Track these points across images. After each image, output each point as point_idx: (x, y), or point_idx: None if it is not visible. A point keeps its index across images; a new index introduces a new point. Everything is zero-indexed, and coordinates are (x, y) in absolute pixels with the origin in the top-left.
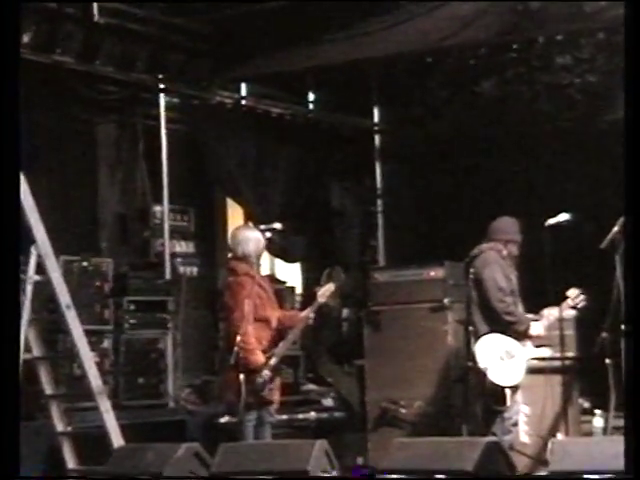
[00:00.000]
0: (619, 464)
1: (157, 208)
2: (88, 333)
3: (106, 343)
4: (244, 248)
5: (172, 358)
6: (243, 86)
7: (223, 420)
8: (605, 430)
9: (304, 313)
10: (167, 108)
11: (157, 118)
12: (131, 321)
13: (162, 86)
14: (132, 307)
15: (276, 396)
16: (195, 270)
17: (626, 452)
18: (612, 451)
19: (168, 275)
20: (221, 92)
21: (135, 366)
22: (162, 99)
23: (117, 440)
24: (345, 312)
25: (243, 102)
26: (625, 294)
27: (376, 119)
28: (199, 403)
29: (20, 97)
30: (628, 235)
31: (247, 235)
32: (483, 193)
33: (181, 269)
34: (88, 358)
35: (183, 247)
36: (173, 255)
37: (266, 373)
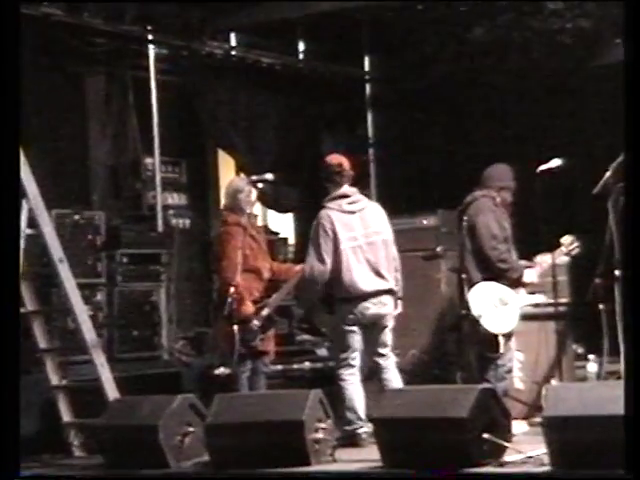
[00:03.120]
0: (613, 408)
1: (148, 160)
2: (81, 286)
3: (99, 296)
4: (235, 198)
5: (166, 310)
6: (233, 36)
7: (217, 371)
8: (599, 375)
9: (298, 267)
10: (156, 59)
11: (147, 69)
12: (124, 274)
13: (151, 37)
14: (125, 260)
15: (270, 347)
16: (187, 222)
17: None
18: (606, 395)
19: (160, 227)
20: (211, 42)
21: (129, 319)
22: (151, 50)
23: (112, 393)
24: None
25: (233, 52)
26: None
27: (367, 68)
28: (193, 355)
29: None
30: (627, 177)
31: (239, 185)
32: (475, 140)
33: (173, 221)
34: (82, 311)
35: (175, 199)
36: (165, 207)
37: (255, 323)
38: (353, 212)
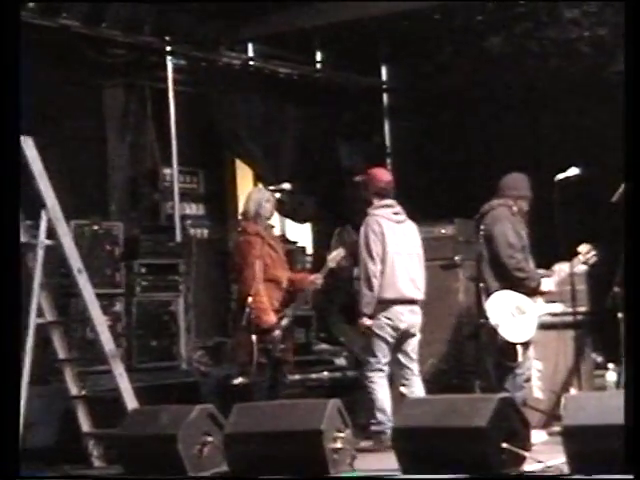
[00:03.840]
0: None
1: (166, 171)
2: (100, 297)
3: (118, 306)
4: (256, 208)
5: (184, 320)
6: (250, 47)
7: (236, 381)
8: (618, 384)
9: (313, 277)
10: (175, 70)
11: (165, 80)
12: (142, 284)
13: (169, 48)
14: (143, 270)
15: (289, 356)
16: (205, 232)
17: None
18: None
19: (179, 237)
20: (228, 53)
21: (147, 329)
22: (169, 61)
23: (131, 402)
24: (356, 271)
25: (251, 63)
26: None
27: (384, 77)
28: (212, 365)
29: (28, 62)
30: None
31: (259, 196)
32: (493, 149)
33: (191, 231)
34: (100, 322)
35: (193, 209)
36: (183, 217)
37: (278, 333)
38: (398, 222)
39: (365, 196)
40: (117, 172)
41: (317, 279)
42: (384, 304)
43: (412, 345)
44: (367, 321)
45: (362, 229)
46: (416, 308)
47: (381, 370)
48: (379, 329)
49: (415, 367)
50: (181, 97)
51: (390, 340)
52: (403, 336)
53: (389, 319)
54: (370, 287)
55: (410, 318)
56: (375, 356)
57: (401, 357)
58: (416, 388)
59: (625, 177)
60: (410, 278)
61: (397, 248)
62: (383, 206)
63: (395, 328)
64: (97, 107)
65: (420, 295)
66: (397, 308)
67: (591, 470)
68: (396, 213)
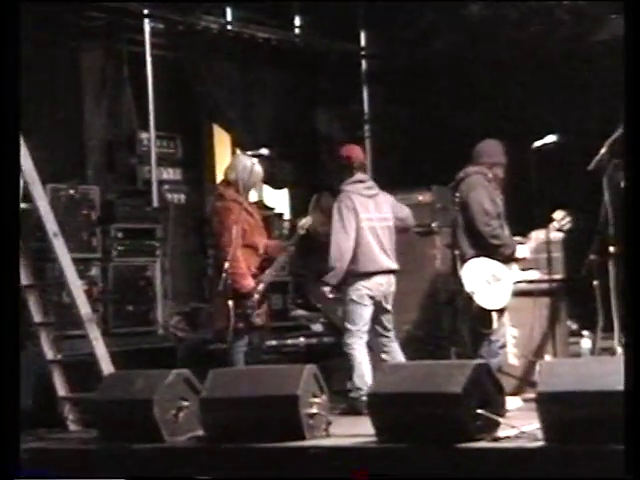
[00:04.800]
0: (607, 384)
1: (144, 135)
2: (76, 261)
3: (94, 271)
4: (238, 174)
5: (161, 285)
6: (229, 11)
7: (212, 346)
8: (593, 351)
9: (284, 244)
10: (152, 34)
11: (142, 44)
12: (119, 249)
13: (147, 11)
14: (120, 235)
15: (265, 322)
16: (183, 197)
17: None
18: (600, 371)
19: (156, 202)
20: (206, 17)
21: (124, 294)
22: (147, 25)
23: (107, 367)
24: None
25: (229, 27)
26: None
27: (363, 43)
28: (188, 330)
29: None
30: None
31: (245, 163)
32: (470, 116)
33: (169, 196)
34: (76, 286)
35: (170, 174)
36: (160, 182)
37: (255, 298)
38: (369, 196)
39: (337, 172)
40: (94, 136)
41: (288, 246)
42: (365, 275)
43: (389, 314)
44: (330, 292)
45: (335, 205)
46: (392, 278)
47: (361, 337)
48: (360, 298)
49: (392, 334)
50: (159, 61)
51: (370, 308)
52: (381, 305)
53: (369, 289)
54: (341, 261)
55: (387, 288)
56: (355, 324)
57: (378, 326)
58: (397, 354)
59: (625, 166)
60: (385, 250)
61: (370, 222)
62: (355, 182)
63: (374, 297)
64: (74, 70)
65: (394, 265)
66: (377, 279)
67: (565, 436)
68: (368, 187)
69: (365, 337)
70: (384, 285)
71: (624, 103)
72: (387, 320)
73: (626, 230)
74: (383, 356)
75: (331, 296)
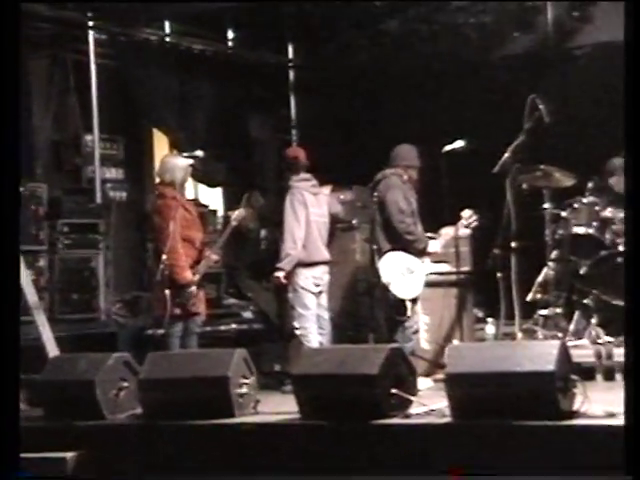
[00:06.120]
0: (508, 366)
1: (88, 137)
2: (25, 253)
3: (42, 262)
4: (171, 174)
5: (103, 275)
6: (167, 24)
7: (151, 332)
8: (496, 336)
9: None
10: (96, 44)
11: (87, 53)
12: (65, 242)
13: (91, 23)
14: (65, 229)
15: (201, 308)
16: (124, 195)
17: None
18: (502, 354)
19: (99, 199)
20: (146, 30)
21: (69, 283)
22: (91, 35)
23: (53, 351)
24: (263, 232)
25: (167, 39)
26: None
27: (290, 55)
28: (129, 316)
29: None
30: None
31: (174, 162)
32: (387, 122)
33: (111, 194)
34: (25, 275)
35: (113, 173)
36: (103, 181)
37: (193, 288)
38: (314, 193)
39: (285, 171)
40: (42, 137)
41: (224, 236)
42: (311, 264)
43: (325, 299)
44: (283, 278)
45: (288, 198)
46: (328, 268)
47: (313, 322)
48: (309, 285)
49: (328, 317)
50: (102, 69)
51: (314, 297)
52: (321, 292)
53: (315, 277)
54: (295, 248)
55: (326, 276)
56: (308, 309)
57: (318, 310)
58: (328, 335)
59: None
60: (324, 242)
61: (315, 217)
62: (302, 179)
63: (318, 285)
64: (24, 77)
65: (329, 256)
66: (320, 268)
67: (470, 413)
68: (313, 185)
69: (315, 321)
70: (325, 274)
71: (624, 101)
72: (324, 304)
73: (626, 229)
74: (320, 338)
75: (284, 282)
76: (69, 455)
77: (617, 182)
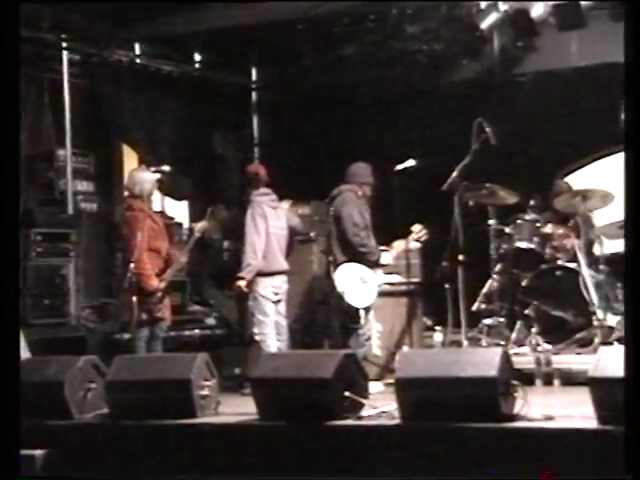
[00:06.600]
0: (454, 371)
1: (61, 152)
2: None
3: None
4: (139, 187)
5: (74, 282)
6: (137, 46)
7: (118, 336)
8: (443, 343)
9: (182, 252)
10: (70, 64)
11: (61, 73)
12: (38, 250)
13: (65, 44)
14: (39, 238)
15: (166, 314)
16: (94, 206)
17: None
18: (449, 360)
19: (71, 210)
20: (118, 51)
21: (41, 289)
22: (65, 56)
23: (25, 354)
24: (226, 243)
25: (137, 60)
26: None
27: (254, 77)
28: (97, 321)
29: None
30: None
31: (142, 176)
32: (343, 142)
33: (82, 205)
34: None
35: (84, 186)
36: (75, 193)
37: (159, 295)
38: (273, 207)
39: (246, 186)
40: None
41: (188, 247)
42: (270, 274)
43: (283, 307)
44: (245, 286)
45: (249, 212)
46: (287, 277)
47: (272, 328)
48: (268, 294)
49: (286, 324)
50: (75, 88)
51: (272, 305)
52: (280, 300)
53: (274, 286)
54: (255, 258)
55: (285, 286)
56: (267, 315)
57: (276, 317)
58: (286, 341)
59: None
60: (282, 253)
61: (275, 229)
62: (262, 194)
63: (276, 293)
64: None
65: (287, 267)
66: (279, 277)
67: (418, 415)
68: (272, 200)
69: (274, 327)
70: (284, 283)
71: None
72: (283, 312)
73: (627, 228)
74: (278, 344)
75: (245, 290)
76: (38, 453)
77: (559, 202)
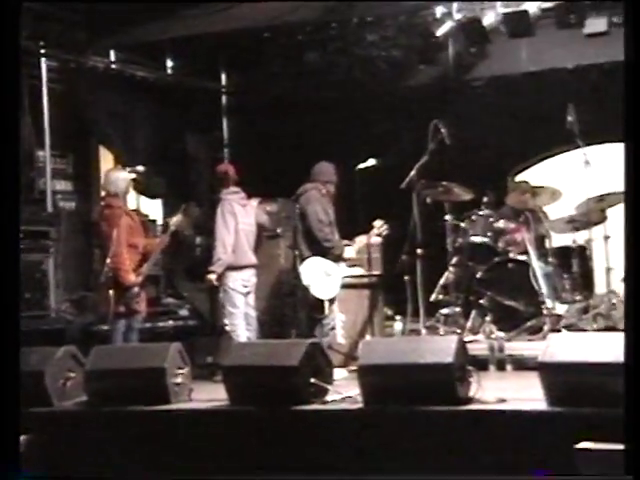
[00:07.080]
0: (413, 358)
1: (40, 153)
2: None
3: None
4: (115, 186)
5: (53, 277)
6: (112, 53)
7: (96, 328)
8: (403, 332)
9: (160, 239)
10: (48, 70)
11: (39, 78)
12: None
13: (43, 51)
14: (20, 235)
15: (142, 307)
16: (73, 205)
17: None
18: (408, 348)
19: (50, 209)
20: (94, 57)
21: (23, 284)
22: (44, 63)
23: None
24: (198, 239)
25: (112, 66)
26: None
27: (223, 82)
28: (76, 314)
29: None
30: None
31: (117, 176)
32: (308, 143)
33: (61, 204)
34: None
35: (63, 186)
36: (54, 192)
37: (136, 289)
38: (242, 205)
39: (216, 184)
40: None
41: (164, 239)
42: (240, 268)
43: (252, 299)
44: (215, 280)
45: (219, 209)
46: (255, 271)
47: (241, 319)
48: (237, 287)
49: (255, 315)
50: (53, 92)
51: (242, 297)
52: (249, 292)
53: (243, 279)
54: (225, 253)
55: (253, 279)
56: (237, 307)
57: (246, 309)
58: (255, 332)
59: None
60: (251, 248)
61: (243, 225)
62: (232, 192)
63: (246, 286)
64: None
65: (256, 261)
66: (247, 271)
67: (380, 400)
68: (241, 197)
69: (243, 318)
70: (252, 276)
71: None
72: (252, 304)
73: (626, 228)
74: (247, 334)
75: (216, 283)
76: (21, 438)
77: (511, 198)
